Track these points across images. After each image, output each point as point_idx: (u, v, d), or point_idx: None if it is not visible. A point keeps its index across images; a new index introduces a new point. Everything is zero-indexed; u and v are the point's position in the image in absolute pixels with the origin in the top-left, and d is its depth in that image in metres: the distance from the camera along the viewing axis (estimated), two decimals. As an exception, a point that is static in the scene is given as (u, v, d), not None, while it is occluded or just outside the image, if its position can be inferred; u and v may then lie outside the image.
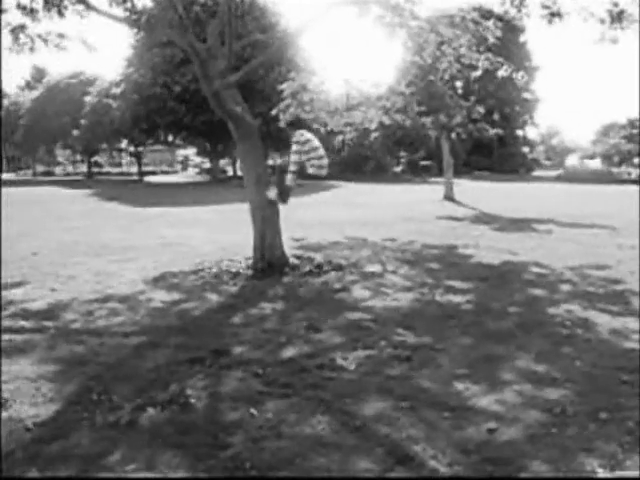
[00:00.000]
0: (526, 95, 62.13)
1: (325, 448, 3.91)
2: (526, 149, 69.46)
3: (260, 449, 3.90)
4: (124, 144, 59.49)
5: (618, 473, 3.57)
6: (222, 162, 53.15)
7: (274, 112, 15.60)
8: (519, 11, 9.89)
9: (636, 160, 77.12)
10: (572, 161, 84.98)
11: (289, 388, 4.83)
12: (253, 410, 4.42)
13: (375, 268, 9.71)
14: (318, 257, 10.40)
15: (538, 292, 8.26)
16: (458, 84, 38.32)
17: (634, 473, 3.53)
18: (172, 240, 13.13)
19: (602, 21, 9.13)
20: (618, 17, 9.02)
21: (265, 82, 36.74)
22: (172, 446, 3.93)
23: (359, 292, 8.18)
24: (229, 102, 9.25)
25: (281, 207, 9.73)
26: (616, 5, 8.99)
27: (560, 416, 4.37)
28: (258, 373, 5.15)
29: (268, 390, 4.80)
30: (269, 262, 9.39)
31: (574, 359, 5.56)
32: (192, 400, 4.62)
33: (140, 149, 56.88)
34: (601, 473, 3.58)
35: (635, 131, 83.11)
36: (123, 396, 4.68)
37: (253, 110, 11.61)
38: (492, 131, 25.97)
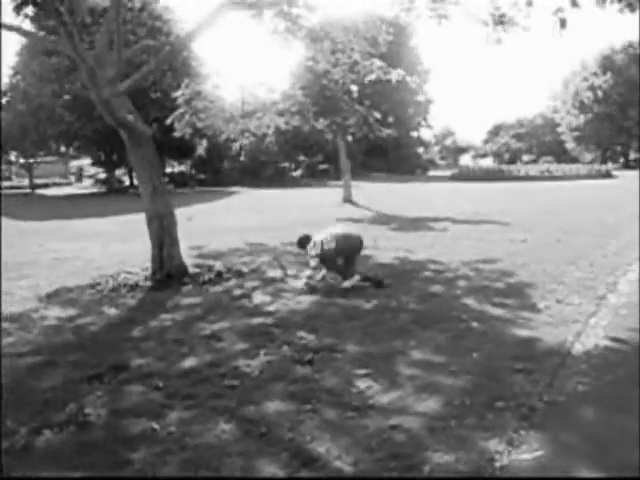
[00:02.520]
0: (419, 97, 63.83)
1: (230, 456, 3.89)
2: (421, 150, 71.36)
3: (164, 463, 3.83)
4: (13, 156, 56.91)
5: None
6: (118, 172, 51.75)
7: (169, 120, 15.37)
8: (408, 10, 10.14)
9: (525, 157, 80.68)
10: (465, 160, 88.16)
11: (192, 399, 4.77)
12: (155, 424, 4.34)
13: (276, 273, 9.71)
14: (218, 265, 10.31)
15: (436, 288, 8.50)
16: (353, 88, 38.93)
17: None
18: (67, 254, 12.68)
19: (486, 24, 9.51)
20: (500, 20, 9.42)
21: (159, 88, 36.10)
22: (71, 468, 3.80)
23: (260, 298, 8.17)
24: (120, 110, 9.04)
25: (179, 216, 9.59)
26: (498, 9, 9.39)
27: (459, 407, 4.51)
28: (159, 386, 5.05)
29: (170, 402, 4.73)
30: (168, 272, 9.24)
31: (471, 351, 5.77)
32: (91, 418, 4.48)
33: (31, 161, 54.59)
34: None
35: (523, 130, 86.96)
36: (18, 420, 4.48)
37: (147, 117, 11.41)
38: (386, 131, 26.49)
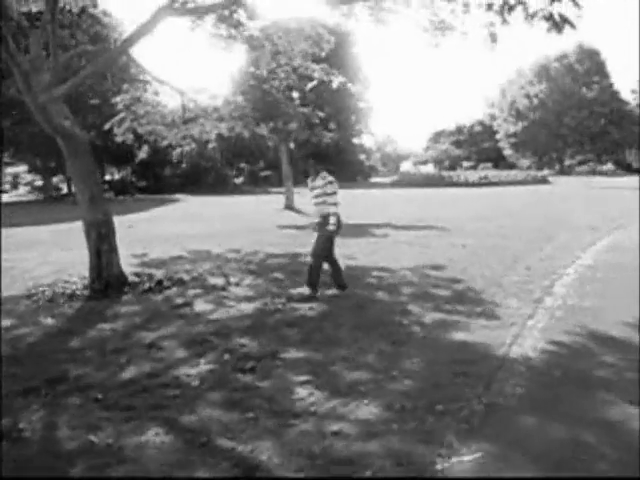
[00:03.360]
0: (361, 104, 64.35)
1: (170, 467, 3.84)
2: (363, 156, 71.88)
3: (101, 478, 3.76)
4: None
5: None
6: (56, 179, 50.65)
7: (107, 126, 15.11)
8: (347, 16, 10.25)
9: (465, 164, 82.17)
10: (406, 167, 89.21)
11: (131, 410, 4.69)
12: (93, 437, 4.25)
13: (218, 281, 9.64)
14: (159, 273, 10.18)
15: (378, 294, 8.57)
16: (295, 95, 39.00)
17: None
18: (2, 264, 12.31)
19: (425, 29, 9.68)
20: (439, 26, 9.61)
21: (98, 94, 35.47)
22: (4, 484, 3.69)
23: (202, 306, 8.09)
24: (56, 116, 8.85)
25: (119, 224, 9.43)
26: (436, 15, 9.57)
27: (400, 412, 4.56)
28: (98, 398, 4.95)
29: (109, 415, 4.63)
30: (107, 281, 9.07)
31: (412, 356, 5.83)
32: (26, 434, 4.36)
33: (-37, 169, 52.93)
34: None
35: (462, 137, 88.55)
36: (-53, 437, 4.33)
37: (85, 124, 11.21)
38: (329, 135, 26.66)
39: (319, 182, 8.33)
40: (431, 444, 4.06)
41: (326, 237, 8.34)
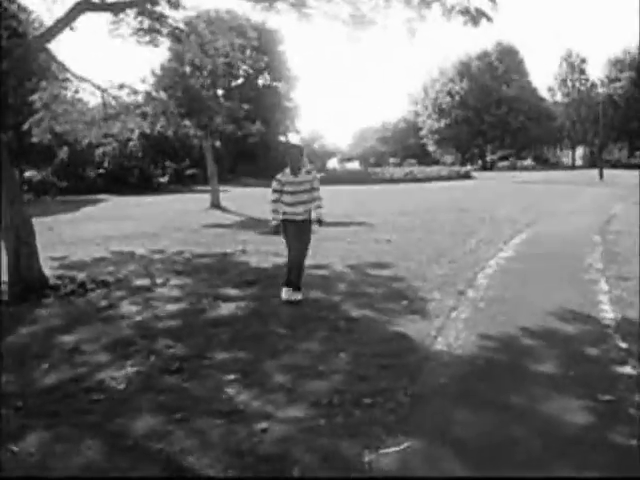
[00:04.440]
0: (287, 103, 64.27)
1: (98, 472, 3.76)
2: (290, 154, 71.56)
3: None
4: None
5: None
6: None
7: (26, 126, 14.66)
8: (269, 9, 10.21)
9: (391, 160, 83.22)
10: (333, 164, 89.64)
11: (54, 417, 4.55)
12: (14, 447, 4.11)
13: (144, 282, 9.48)
14: (81, 275, 9.92)
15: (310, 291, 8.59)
16: (219, 92, 38.62)
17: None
18: None
19: (346, 23, 9.73)
20: (360, 20, 9.66)
21: (16, 93, 34.26)
22: None
23: (127, 308, 7.93)
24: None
25: (39, 225, 9.15)
26: (358, 9, 9.62)
27: (327, 407, 4.58)
28: (18, 406, 4.79)
29: (31, 422, 4.49)
30: (26, 285, 8.78)
31: (338, 351, 5.87)
32: (-59, 445, 4.19)
33: None
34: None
35: (388, 134, 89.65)
36: None
37: (1, 123, 10.82)
38: (255, 128, 26.53)
39: (305, 177, 8.03)
40: (358, 437, 4.10)
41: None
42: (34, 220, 9.49)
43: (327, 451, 3.93)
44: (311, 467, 3.75)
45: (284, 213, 7.89)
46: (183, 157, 50.53)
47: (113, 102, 14.52)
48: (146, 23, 11.04)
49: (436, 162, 76.19)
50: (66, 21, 8.99)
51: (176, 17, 11.33)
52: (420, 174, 51.24)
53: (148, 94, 17.01)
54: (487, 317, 7.00)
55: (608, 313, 7.01)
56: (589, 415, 4.38)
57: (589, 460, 3.78)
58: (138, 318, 7.39)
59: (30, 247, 9.01)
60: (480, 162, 77.60)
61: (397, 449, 3.96)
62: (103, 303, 8.23)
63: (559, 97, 79.19)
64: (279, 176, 8.01)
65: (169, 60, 27.84)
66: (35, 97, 14.12)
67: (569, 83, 77.67)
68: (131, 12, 10.77)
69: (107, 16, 10.82)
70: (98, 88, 12.86)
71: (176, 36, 11.69)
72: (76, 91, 17.28)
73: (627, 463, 3.75)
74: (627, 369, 5.24)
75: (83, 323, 7.23)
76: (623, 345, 5.85)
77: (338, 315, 7.19)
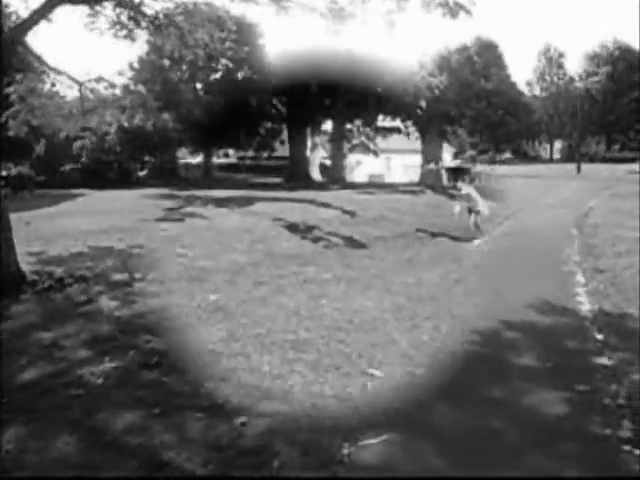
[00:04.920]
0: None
1: (74, 469, 3.75)
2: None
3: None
4: None
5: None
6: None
7: (2, 119, 14.43)
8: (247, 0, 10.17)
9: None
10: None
11: (32, 413, 4.52)
12: (-9, 442, 4.08)
13: (123, 277, 9.40)
14: (59, 271, 9.79)
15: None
16: (199, 86, 38.43)
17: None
18: None
19: (324, 16, 9.69)
20: (338, 13, 9.63)
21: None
22: None
23: (106, 303, 7.85)
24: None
25: (17, 221, 9.03)
26: (335, 2, 9.59)
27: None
28: (-4, 401, 4.75)
29: (9, 418, 4.45)
30: (3, 280, 8.68)
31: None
32: None
33: None
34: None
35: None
36: None
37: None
38: None
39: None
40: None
41: None
42: (11, 215, 9.37)
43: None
44: (290, 462, 3.76)
45: None
46: (162, 151, 50.22)
47: (91, 95, 14.34)
48: (124, 15, 10.90)
49: (415, 156, 76.21)
50: (42, 12, 8.88)
51: (155, 7, 11.20)
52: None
53: (126, 87, 16.87)
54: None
55: (585, 305, 7.13)
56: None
57: (562, 449, 3.85)
58: (117, 313, 7.33)
59: (7, 242, 8.88)
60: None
61: (375, 441, 3.99)
62: (82, 298, 8.15)
63: (537, 91, 79.68)
64: None
65: (147, 53, 27.65)
66: (11, 90, 13.91)
67: (547, 77, 78.21)
68: (109, 4, 10.63)
69: (84, 9, 10.68)
70: (75, 81, 12.70)
71: (155, 25, 11.54)
72: (53, 84, 17.13)
73: (599, 452, 3.81)
74: (603, 360, 5.33)
75: (61, 318, 7.16)
76: (599, 337, 5.95)
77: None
